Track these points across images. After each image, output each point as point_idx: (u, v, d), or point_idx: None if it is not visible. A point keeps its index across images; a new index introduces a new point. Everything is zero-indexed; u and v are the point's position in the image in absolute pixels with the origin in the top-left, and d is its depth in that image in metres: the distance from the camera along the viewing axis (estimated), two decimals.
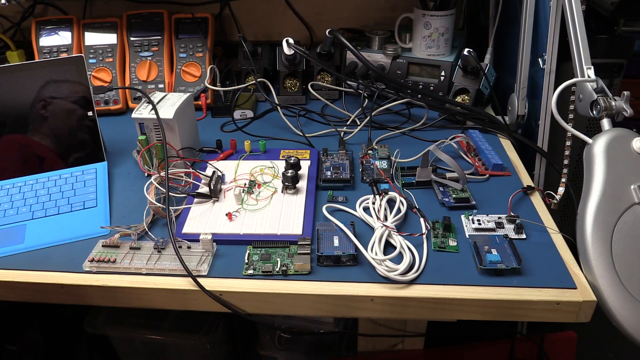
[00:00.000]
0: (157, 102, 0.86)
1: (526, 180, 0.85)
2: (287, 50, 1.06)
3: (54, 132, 0.89)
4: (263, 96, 1.08)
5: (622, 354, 1.44)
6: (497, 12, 1.08)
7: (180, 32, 1.17)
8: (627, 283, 0.61)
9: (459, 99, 1.06)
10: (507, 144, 0.96)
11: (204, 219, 0.75)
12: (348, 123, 1.04)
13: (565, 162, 0.80)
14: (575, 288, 0.63)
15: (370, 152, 0.91)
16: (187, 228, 0.74)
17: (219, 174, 0.83)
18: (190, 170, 0.83)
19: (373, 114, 1.02)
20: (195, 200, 0.79)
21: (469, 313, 0.64)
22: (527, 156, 0.95)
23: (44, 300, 0.69)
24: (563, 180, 0.80)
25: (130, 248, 0.71)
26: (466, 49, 0.99)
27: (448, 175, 0.82)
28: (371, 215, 0.75)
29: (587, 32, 0.76)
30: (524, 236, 0.72)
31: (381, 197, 0.77)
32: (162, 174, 0.77)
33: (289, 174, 0.79)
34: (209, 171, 0.83)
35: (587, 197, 0.66)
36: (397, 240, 0.69)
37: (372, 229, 0.72)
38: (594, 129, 0.99)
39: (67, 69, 0.89)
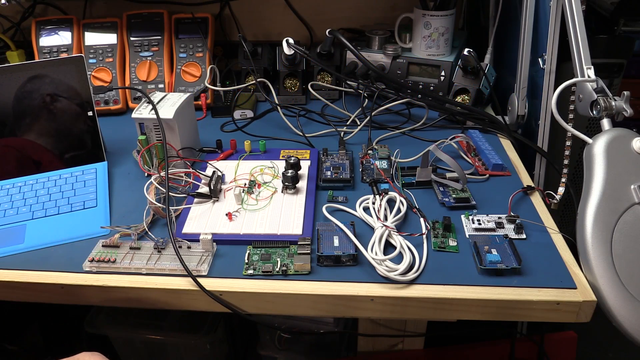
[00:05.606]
0: (157, 102, 0.86)
1: (526, 180, 0.85)
2: (287, 50, 1.06)
3: (54, 132, 0.89)
4: (263, 96, 1.08)
5: (622, 354, 1.44)
6: (497, 12, 1.08)
7: (180, 32, 1.17)
8: (627, 283, 0.61)
9: (459, 99, 1.06)
10: (507, 144, 0.96)
11: (204, 219, 0.75)
12: (348, 123, 1.04)
13: (565, 162, 0.80)
14: (575, 288, 0.63)
15: (370, 152, 0.91)
16: (187, 228, 0.74)
17: (219, 174, 0.83)
18: (190, 170, 0.83)
19: (373, 114, 1.02)
20: (195, 200, 0.79)
21: (469, 313, 0.64)
22: (527, 156, 0.95)
23: (44, 300, 0.69)
24: (563, 180, 0.80)
25: (130, 248, 0.71)
26: (466, 49, 0.99)
27: (448, 175, 0.82)
28: (371, 215, 0.74)
29: (587, 32, 0.76)
30: (524, 236, 0.72)
31: (381, 197, 0.77)
32: (162, 174, 0.77)
33: (289, 174, 0.79)
34: (209, 171, 0.83)
35: (587, 197, 0.66)
36: (397, 240, 0.69)
37: (372, 229, 0.72)
38: (594, 129, 0.99)
39: (67, 69, 0.89)
